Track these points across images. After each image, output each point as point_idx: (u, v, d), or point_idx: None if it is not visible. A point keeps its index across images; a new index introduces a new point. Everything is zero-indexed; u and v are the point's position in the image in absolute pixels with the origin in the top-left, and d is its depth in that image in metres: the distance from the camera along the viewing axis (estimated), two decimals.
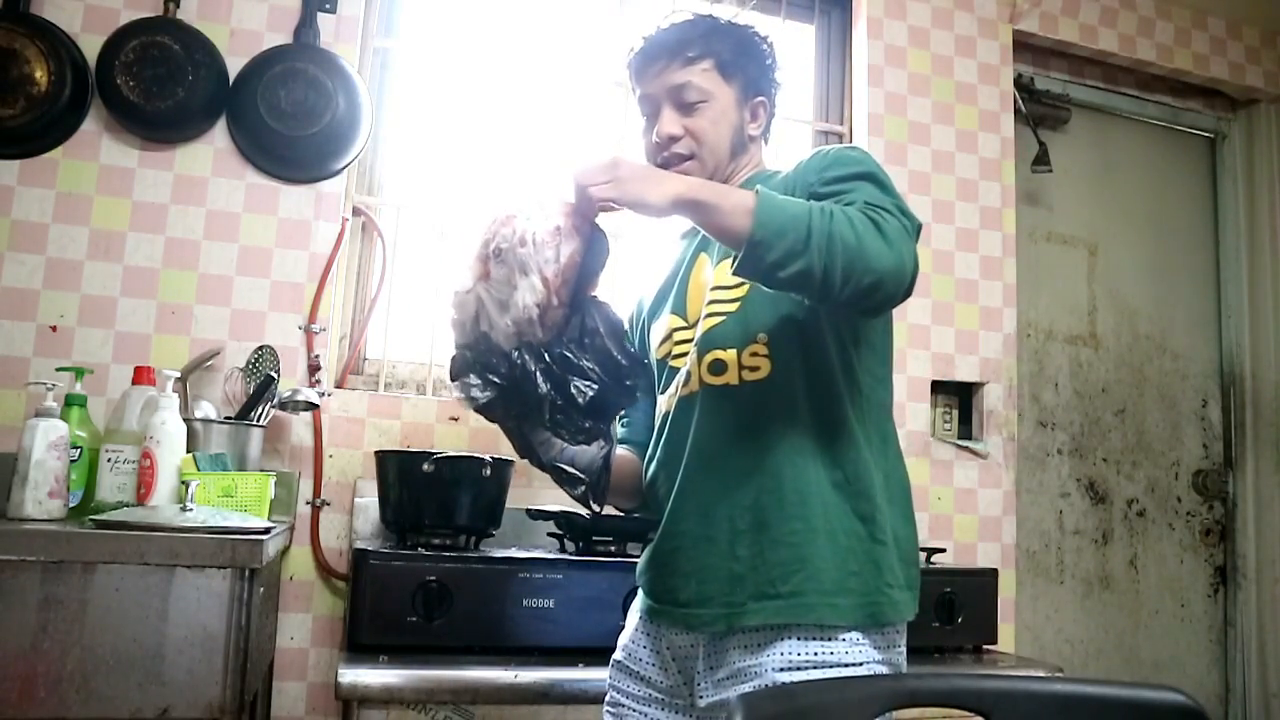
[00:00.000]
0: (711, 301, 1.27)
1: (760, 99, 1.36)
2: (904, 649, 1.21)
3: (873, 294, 1.06)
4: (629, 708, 1.29)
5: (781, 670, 1.13)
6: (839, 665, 1.12)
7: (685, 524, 1.24)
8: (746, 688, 1.13)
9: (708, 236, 1.23)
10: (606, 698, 1.33)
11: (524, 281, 1.08)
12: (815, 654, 1.13)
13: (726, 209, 1.07)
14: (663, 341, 1.35)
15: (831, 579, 1.14)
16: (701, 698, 1.20)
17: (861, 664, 1.13)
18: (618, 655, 1.34)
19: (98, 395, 1.87)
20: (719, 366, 1.24)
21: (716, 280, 1.28)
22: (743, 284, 1.22)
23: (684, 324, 1.32)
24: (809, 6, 2.67)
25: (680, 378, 1.29)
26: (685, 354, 1.29)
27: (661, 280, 1.43)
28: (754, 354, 1.22)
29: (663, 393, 1.34)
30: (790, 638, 1.14)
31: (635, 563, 1.73)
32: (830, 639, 1.13)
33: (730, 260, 1.17)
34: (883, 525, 1.18)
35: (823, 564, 1.14)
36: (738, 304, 1.24)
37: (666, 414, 1.30)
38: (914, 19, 2.61)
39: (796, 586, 1.14)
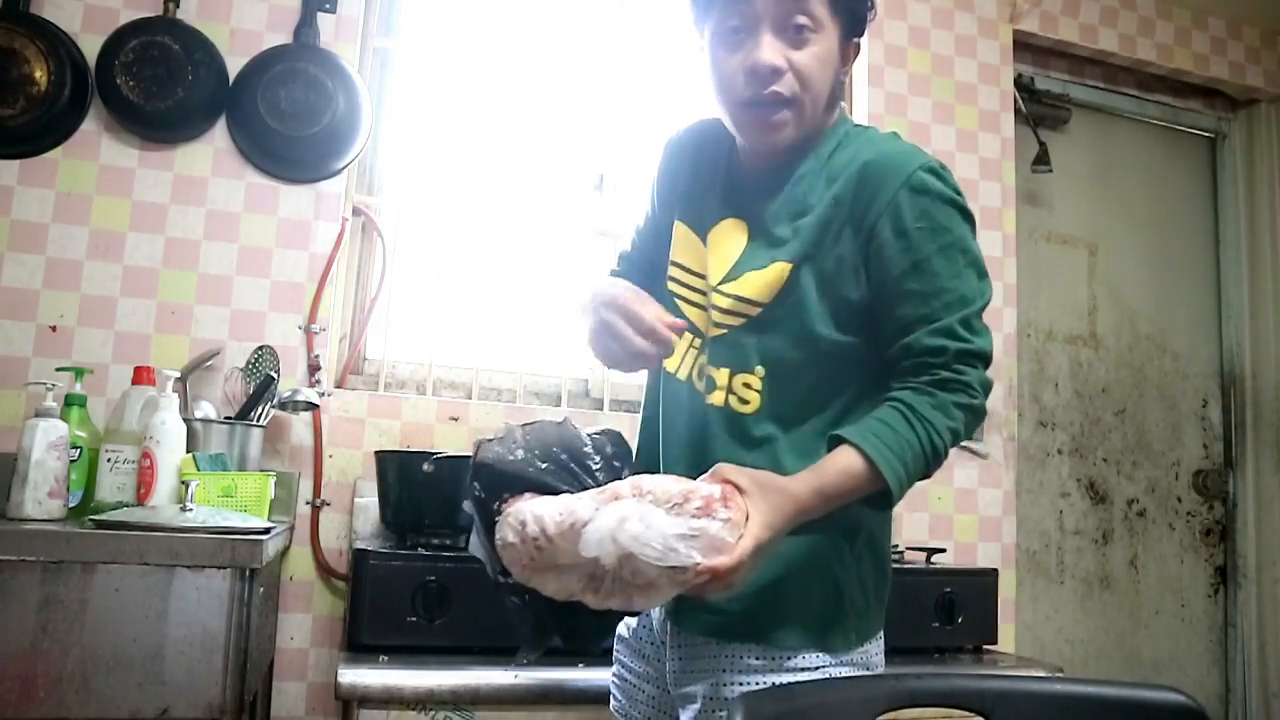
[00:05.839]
0: (727, 311, 1.16)
1: (856, 41, 1.18)
2: (876, 662, 1.19)
3: None
4: (631, 682, 1.28)
5: (737, 672, 1.12)
6: (795, 670, 1.12)
7: None
8: (707, 687, 1.13)
9: (741, 194, 1.20)
10: (612, 670, 1.32)
11: (706, 534, 0.92)
12: (773, 657, 1.13)
13: (854, 496, 1.06)
14: (676, 265, 1.25)
15: (791, 605, 1.13)
16: (672, 686, 1.20)
17: (818, 668, 1.13)
18: (621, 630, 1.32)
19: (98, 395, 1.87)
20: (710, 384, 1.17)
21: (744, 288, 1.15)
22: (760, 304, 1.13)
23: (697, 272, 1.21)
24: None
25: (685, 349, 1.21)
26: (682, 297, 1.22)
27: (696, 183, 1.26)
28: (745, 384, 1.14)
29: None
30: (748, 646, 1.14)
31: None
32: (789, 657, 1.13)
33: (760, 270, 1.14)
34: (858, 550, 1.16)
35: (785, 589, 1.13)
36: (743, 321, 1.14)
37: (662, 376, 1.23)
38: (914, 19, 2.61)
39: (755, 608, 1.13)
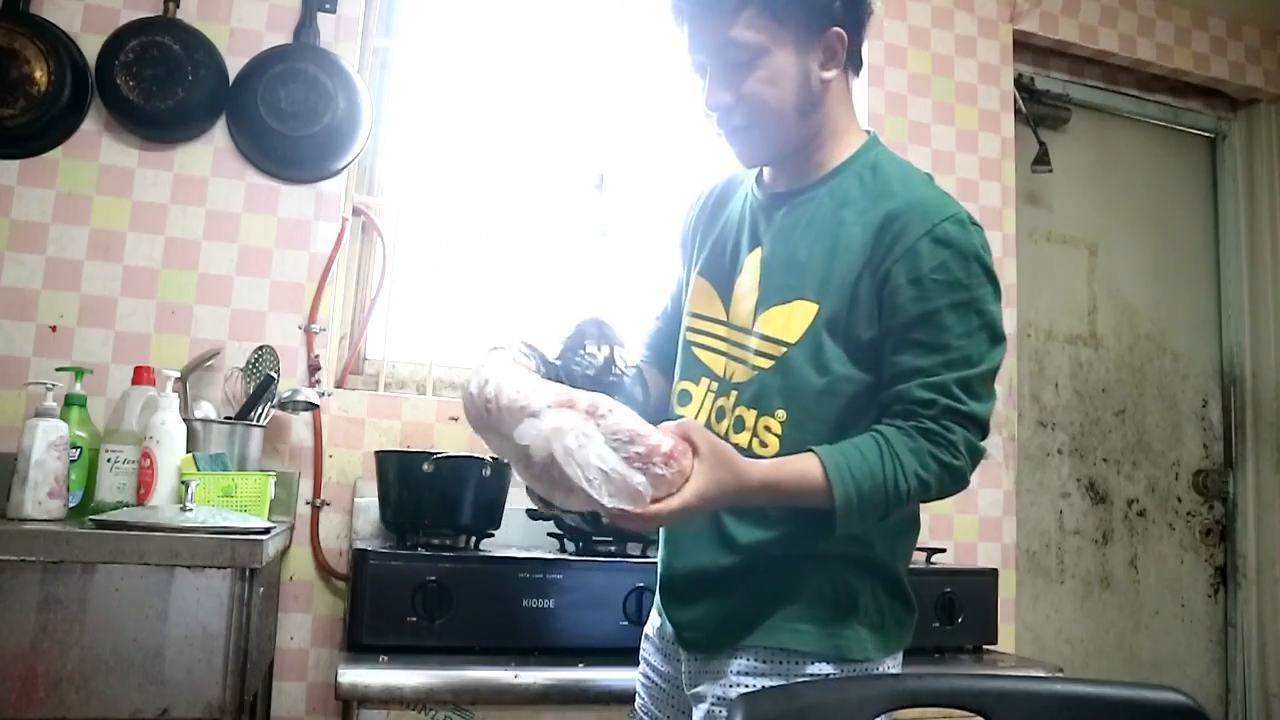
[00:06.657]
0: (757, 352, 1.16)
1: (834, 29, 1.13)
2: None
3: None
4: (655, 682, 1.29)
5: (743, 674, 1.13)
6: (804, 677, 1.12)
7: (680, 550, 1.23)
8: (716, 688, 1.14)
9: (762, 228, 1.21)
10: (639, 669, 1.33)
11: (625, 481, 0.97)
12: (781, 661, 1.13)
13: (801, 501, 1.07)
14: (694, 315, 1.27)
15: (802, 608, 1.13)
16: (686, 686, 1.21)
17: (827, 675, 1.12)
18: (648, 629, 1.33)
19: (98, 395, 1.87)
20: (739, 424, 1.17)
21: (764, 325, 1.17)
22: (787, 344, 1.14)
23: (722, 319, 1.23)
24: None
25: (704, 396, 1.22)
26: (708, 347, 1.23)
27: (718, 233, 1.29)
28: (766, 427, 1.15)
29: (683, 378, 1.26)
30: (756, 649, 1.14)
31: (635, 562, 1.74)
32: (797, 662, 1.13)
33: (784, 306, 1.15)
34: (873, 560, 1.16)
35: (797, 593, 1.13)
36: (771, 364, 1.15)
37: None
38: (914, 19, 2.61)
39: (765, 611, 1.14)
